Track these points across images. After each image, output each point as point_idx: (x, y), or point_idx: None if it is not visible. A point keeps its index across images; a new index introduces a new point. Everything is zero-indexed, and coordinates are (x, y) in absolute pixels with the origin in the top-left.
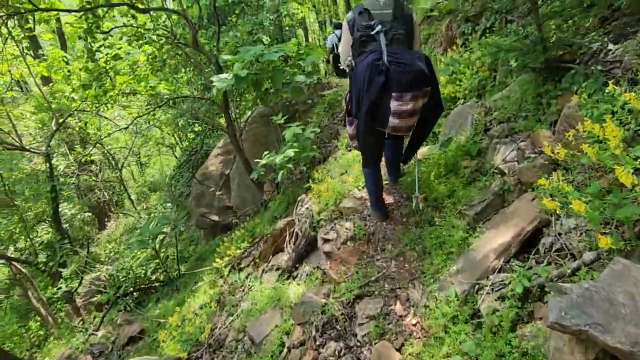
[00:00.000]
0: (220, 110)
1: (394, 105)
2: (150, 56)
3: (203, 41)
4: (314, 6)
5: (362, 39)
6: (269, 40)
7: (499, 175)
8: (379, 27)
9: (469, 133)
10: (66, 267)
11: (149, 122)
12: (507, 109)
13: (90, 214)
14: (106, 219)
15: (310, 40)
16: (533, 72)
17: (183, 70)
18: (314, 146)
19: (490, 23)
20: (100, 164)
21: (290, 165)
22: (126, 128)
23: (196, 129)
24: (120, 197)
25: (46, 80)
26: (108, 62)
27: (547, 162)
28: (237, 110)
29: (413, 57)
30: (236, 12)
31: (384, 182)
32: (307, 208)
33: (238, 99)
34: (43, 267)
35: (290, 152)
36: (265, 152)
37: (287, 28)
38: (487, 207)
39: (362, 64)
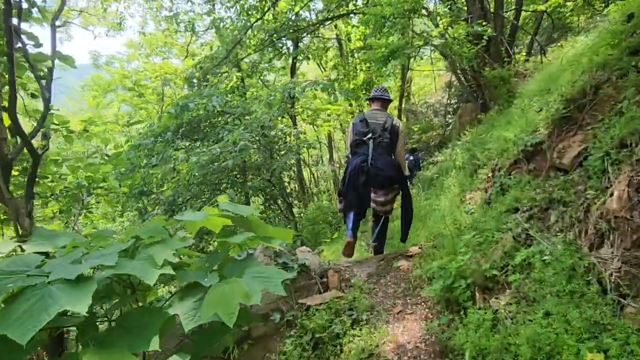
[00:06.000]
0: None
1: (372, 196)
2: None
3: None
4: (340, 124)
5: (357, 141)
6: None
7: None
8: (370, 135)
9: None
10: None
11: None
12: None
13: None
14: None
15: (334, 157)
16: None
17: None
18: None
19: None
20: None
21: None
22: None
23: None
24: None
25: None
26: None
27: None
28: None
29: (388, 164)
30: (218, 126)
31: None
32: None
33: None
34: None
35: None
36: None
37: (282, 152)
38: None
39: (354, 162)
